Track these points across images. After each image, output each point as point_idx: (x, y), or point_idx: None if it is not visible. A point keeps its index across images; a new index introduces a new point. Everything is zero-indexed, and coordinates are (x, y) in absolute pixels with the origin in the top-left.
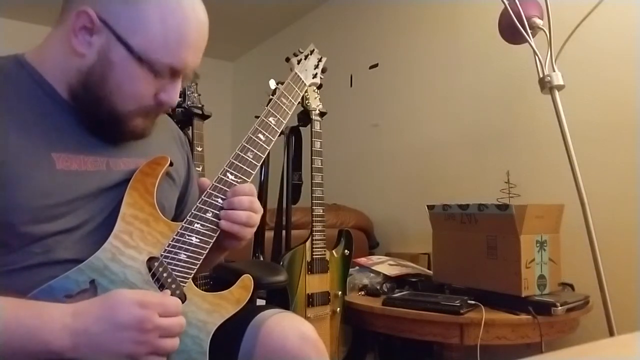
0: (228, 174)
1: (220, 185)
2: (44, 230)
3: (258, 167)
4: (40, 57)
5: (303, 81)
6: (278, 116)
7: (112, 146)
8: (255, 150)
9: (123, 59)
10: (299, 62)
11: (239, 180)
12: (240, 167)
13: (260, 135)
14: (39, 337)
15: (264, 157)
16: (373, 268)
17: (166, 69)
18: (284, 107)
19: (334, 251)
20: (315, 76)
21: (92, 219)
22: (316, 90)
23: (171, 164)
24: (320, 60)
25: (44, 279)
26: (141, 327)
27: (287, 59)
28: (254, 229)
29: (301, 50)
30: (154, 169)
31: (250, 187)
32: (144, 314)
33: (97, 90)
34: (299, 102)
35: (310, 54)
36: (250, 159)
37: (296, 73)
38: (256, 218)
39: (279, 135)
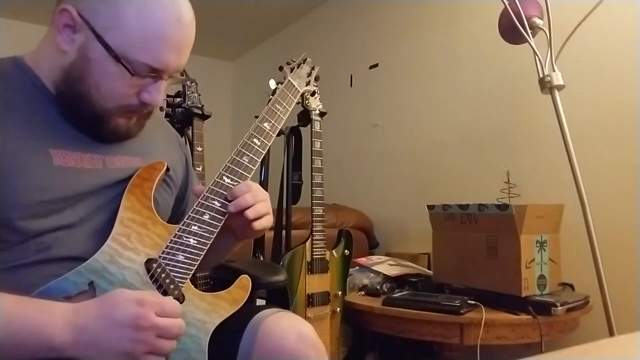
0: (224, 178)
1: (217, 189)
2: (41, 225)
3: (254, 170)
4: (36, 58)
5: (297, 88)
6: (272, 121)
7: (108, 144)
8: (250, 155)
9: (100, 57)
10: (291, 70)
11: (235, 184)
12: (237, 170)
13: (256, 140)
14: (42, 332)
15: (260, 160)
16: (373, 268)
17: (144, 68)
18: (278, 112)
19: (334, 251)
20: (308, 83)
21: (90, 217)
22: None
23: (168, 170)
24: (313, 68)
25: (42, 277)
26: (137, 324)
27: (281, 68)
28: (269, 219)
29: (294, 60)
30: (151, 173)
31: (247, 184)
32: (140, 311)
33: (77, 87)
34: (298, 103)
35: (303, 63)
36: (246, 163)
37: (290, 80)
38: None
39: (279, 135)
